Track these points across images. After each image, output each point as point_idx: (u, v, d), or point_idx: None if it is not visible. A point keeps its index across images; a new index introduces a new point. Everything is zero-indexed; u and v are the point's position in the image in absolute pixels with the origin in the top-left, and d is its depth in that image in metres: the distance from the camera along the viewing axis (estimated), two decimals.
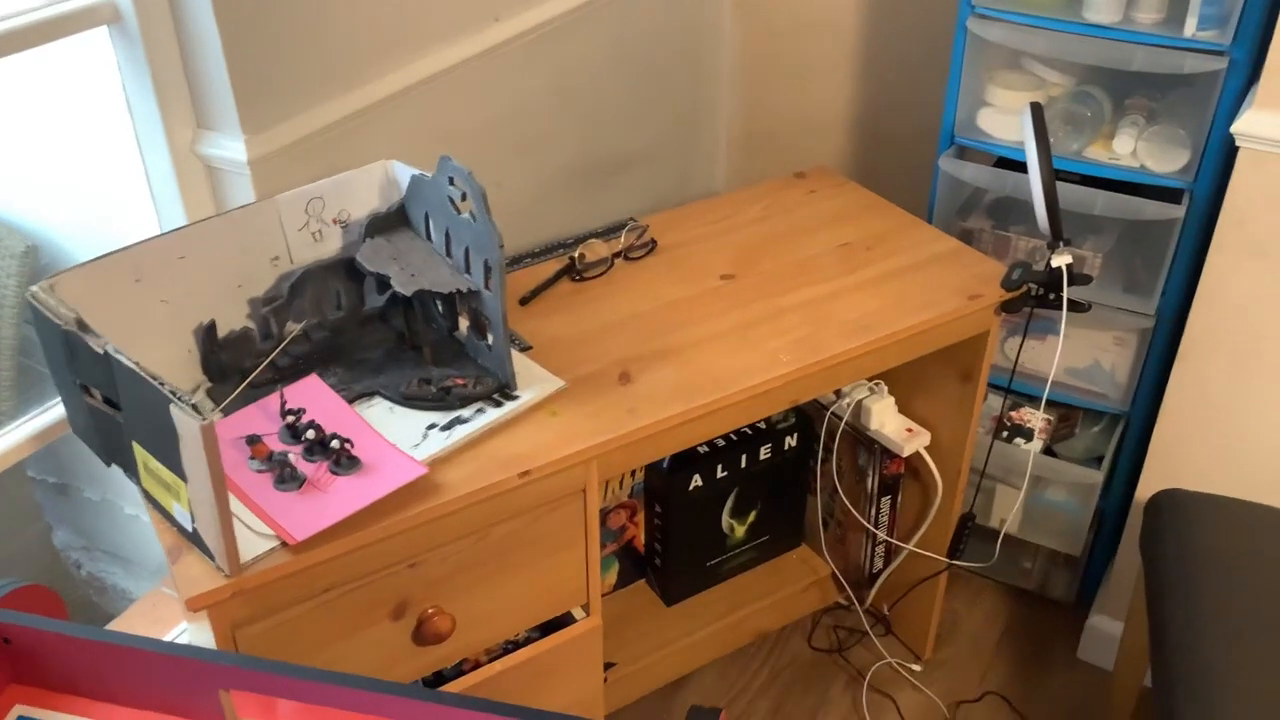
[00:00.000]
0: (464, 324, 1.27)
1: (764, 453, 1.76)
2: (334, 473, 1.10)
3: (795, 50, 2.10)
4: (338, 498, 1.07)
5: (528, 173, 1.74)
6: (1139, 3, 1.48)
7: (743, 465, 1.75)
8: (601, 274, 1.49)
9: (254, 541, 1.04)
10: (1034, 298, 1.47)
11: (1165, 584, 1.41)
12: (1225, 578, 1.39)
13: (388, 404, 1.21)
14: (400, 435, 1.16)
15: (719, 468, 1.72)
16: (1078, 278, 1.44)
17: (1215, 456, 1.58)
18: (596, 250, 1.51)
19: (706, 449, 1.71)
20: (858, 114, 2.11)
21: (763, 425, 1.76)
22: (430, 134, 1.52)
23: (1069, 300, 1.44)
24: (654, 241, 1.55)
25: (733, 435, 1.74)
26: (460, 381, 1.22)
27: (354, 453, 1.11)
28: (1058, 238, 1.43)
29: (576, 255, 1.48)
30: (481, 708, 0.87)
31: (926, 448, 1.68)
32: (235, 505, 1.06)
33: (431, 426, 1.18)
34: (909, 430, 1.68)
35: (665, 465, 1.68)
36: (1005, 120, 1.64)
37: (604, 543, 1.76)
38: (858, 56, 2.05)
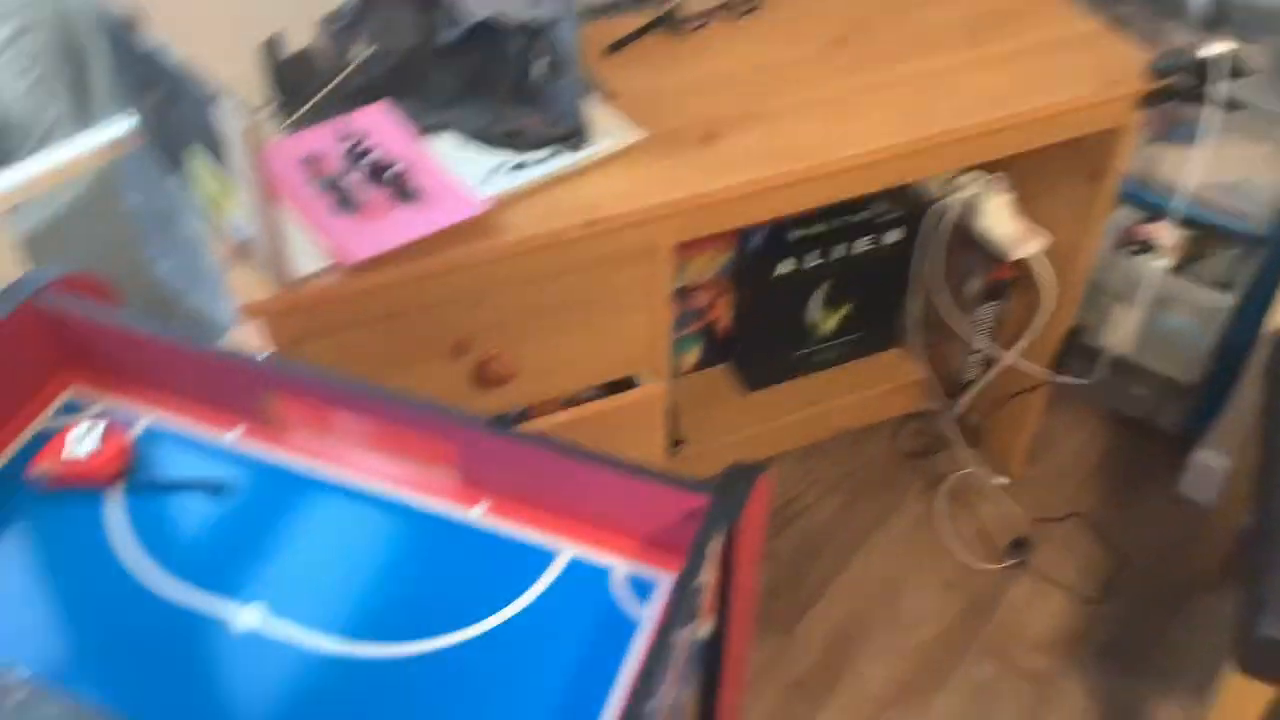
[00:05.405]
0: (541, 65, 1.20)
1: (863, 244, 1.67)
2: (393, 201, 1.07)
3: None
4: (394, 225, 1.05)
5: None
6: None
7: (837, 255, 1.66)
8: (700, 28, 1.39)
9: (309, 259, 1.04)
10: (1183, 91, 1.31)
11: None
12: None
13: (457, 140, 1.17)
14: (466, 172, 1.13)
15: (812, 255, 1.64)
16: (1238, 70, 1.27)
17: None
18: (698, 1, 1.40)
19: (800, 234, 1.63)
20: None
21: (864, 215, 1.66)
22: None
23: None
24: None
25: (831, 222, 1.65)
26: (533, 123, 1.17)
27: (415, 183, 1.08)
28: (1221, 18, 1.25)
29: (675, 5, 1.38)
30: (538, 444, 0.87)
31: (1043, 253, 1.56)
32: (293, 223, 1.06)
33: (499, 166, 1.14)
34: (1024, 232, 1.56)
35: (756, 247, 1.61)
36: None
37: (686, 322, 1.72)
38: None
